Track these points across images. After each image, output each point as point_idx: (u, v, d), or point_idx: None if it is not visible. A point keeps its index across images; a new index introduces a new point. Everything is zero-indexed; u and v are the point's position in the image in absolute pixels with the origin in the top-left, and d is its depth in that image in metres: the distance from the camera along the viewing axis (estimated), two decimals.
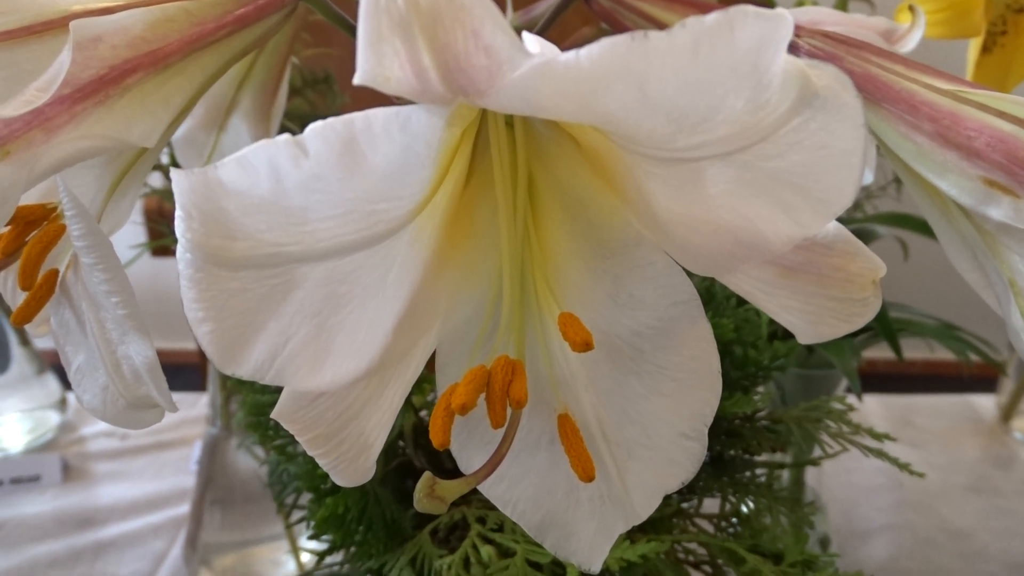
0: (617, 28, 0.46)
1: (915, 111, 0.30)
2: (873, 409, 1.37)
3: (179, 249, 0.18)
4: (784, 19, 0.15)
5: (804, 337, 0.22)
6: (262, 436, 0.43)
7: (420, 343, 0.24)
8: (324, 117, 0.63)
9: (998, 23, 0.62)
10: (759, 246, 0.19)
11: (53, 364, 1.39)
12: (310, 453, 0.23)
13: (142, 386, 0.26)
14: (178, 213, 0.17)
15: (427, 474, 0.21)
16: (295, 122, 0.95)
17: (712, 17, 0.15)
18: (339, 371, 0.21)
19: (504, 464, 0.23)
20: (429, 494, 0.21)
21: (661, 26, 0.46)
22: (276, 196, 0.18)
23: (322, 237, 0.19)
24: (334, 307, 0.21)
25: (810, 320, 0.21)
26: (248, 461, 0.96)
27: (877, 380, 1.28)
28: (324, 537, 0.40)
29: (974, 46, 0.62)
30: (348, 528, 0.37)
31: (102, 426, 1.41)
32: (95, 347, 0.26)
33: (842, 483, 1.19)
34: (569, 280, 0.25)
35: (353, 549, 0.41)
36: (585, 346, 0.22)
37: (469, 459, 0.25)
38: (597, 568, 0.25)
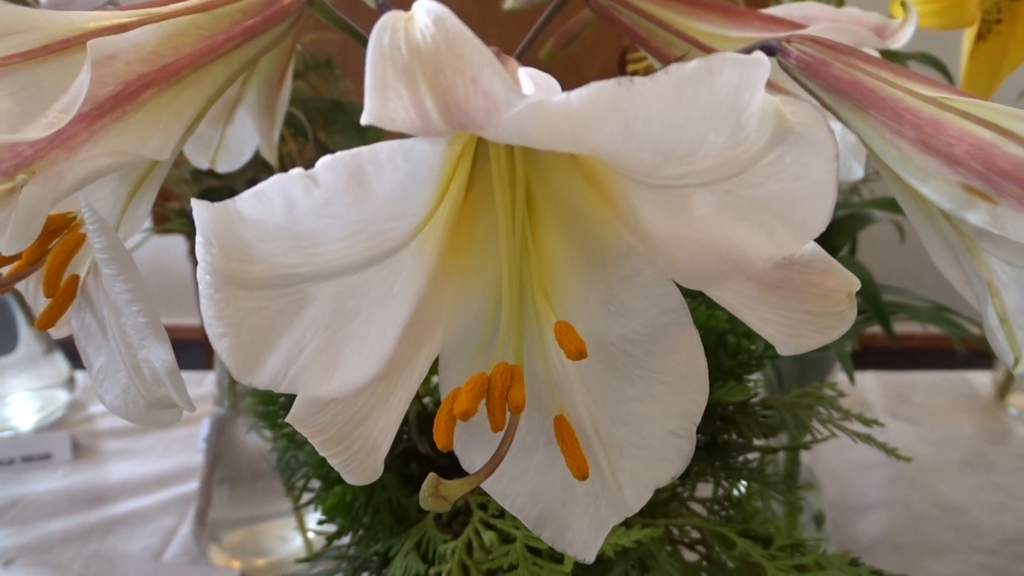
0: (615, 25, 0.47)
1: (899, 118, 0.31)
2: (870, 386, 1.39)
3: (199, 271, 0.20)
4: (760, 63, 0.17)
5: (783, 349, 0.23)
6: (272, 424, 0.44)
7: (424, 350, 0.26)
8: (325, 100, 0.65)
9: (993, 11, 0.63)
10: (741, 264, 0.21)
11: (60, 342, 1.40)
12: (322, 454, 0.24)
13: (161, 388, 0.27)
14: (199, 239, 0.19)
15: (432, 475, 0.22)
16: (297, 106, 0.96)
17: (693, 64, 0.16)
18: (348, 379, 0.23)
19: (504, 463, 0.24)
20: (434, 493, 0.22)
21: (657, 22, 0.47)
22: (289, 223, 0.19)
23: (332, 257, 0.20)
24: (343, 320, 0.22)
25: (789, 333, 0.23)
26: (255, 440, 0.98)
27: (876, 355, 1.30)
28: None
29: (969, 34, 0.63)
30: (356, 514, 0.39)
31: None
32: (116, 350, 0.28)
33: (838, 459, 1.21)
34: (565, 288, 0.27)
35: (360, 533, 0.43)
36: (579, 355, 0.23)
37: (471, 459, 0.27)
38: (592, 558, 0.27)
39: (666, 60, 0.47)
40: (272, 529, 1.05)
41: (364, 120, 0.17)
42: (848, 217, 0.78)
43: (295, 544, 1.04)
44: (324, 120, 1.01)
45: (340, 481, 0.39)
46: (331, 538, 0.43)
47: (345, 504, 0.39)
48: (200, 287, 0.20)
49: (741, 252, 0.20)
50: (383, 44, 0.16)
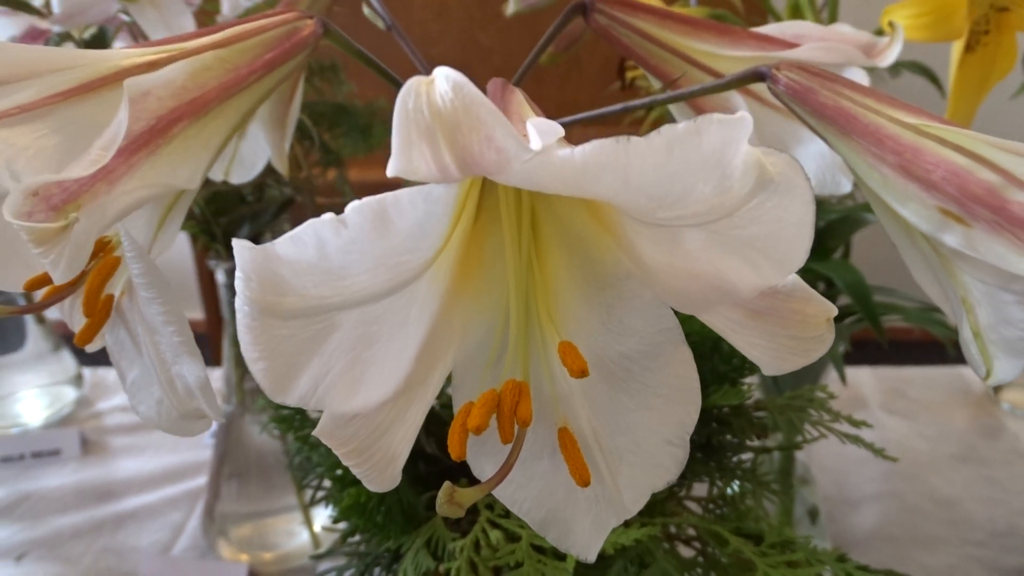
0: (613, 44, 0.49)
1: (881, 144, 0.33)
2: (866, 381, 1.41)
3: (237, 302, 0.22)
4: (743, 122, 0.19)
5: (768, 369, 0.25)
6: (287, 427, 0.46)
7: (438, 368, 0.28)
8: (330, 103, 0.67)
9: (981, 22, 0.65)
10: (729, 292, 0.23)
11: (65, 336, 1.42)
12: (346, 464, 0.26)
13: (194, 401, 0.29)
14: (239, 275, 0.21)
15: (447, 484, 0.24)
16: (303, 110, 0.97)
17: (683, 125, 0.18)
18: (370, 396, 0.25)
19: (511, 471, 0.26)
20: (449, 500, 0.24)
21: (654, 41, 0.49)
22: (320, 260, 0.21)
23: (357, 289, 0.22)
24: (366, 344, 0.24)
25: (773, 355, 0.25)
26: (262, 436, 1.00)
27: (872, 350, 1.32)
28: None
29: (958, 46, 0.65)
30: (369, 514, 0.41)
31: (118, 401, 1.45)
32: (150, 365, 0.30)
33: (833, 454, 1.23)
34: (568, 309, 0.29)
35: (371, 531, 0.45)
36: (581, 373, 0.26)
37: (482, 467, 0.29)
38: (593, 557, 0.29)
39: (663, 77, 0.49)
40: (279, 523, 1.07)
41: (390, 173, 0.19)
42: (842, 220, 0.80)
43: (302, 538, 1.06)
44: (329, 122, 1.03)
45: (354, 483, 0.42)
46: (344, 536, 0.45)
47: (359, 505, 0.41)
48: (238, 316, 0.22)
49: (729, 282, 0.23)
50: (408, 107, 0.18)
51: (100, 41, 0.81)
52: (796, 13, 0.84)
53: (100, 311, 0.30)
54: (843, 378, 0.69)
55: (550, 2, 1.16)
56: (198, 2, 0.84)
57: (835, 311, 0.24)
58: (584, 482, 0.27)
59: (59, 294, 0.30)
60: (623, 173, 0.19)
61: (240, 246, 0.20)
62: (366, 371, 0.24)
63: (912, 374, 1.43)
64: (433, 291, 0.26)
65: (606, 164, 0.19)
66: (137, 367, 0.31)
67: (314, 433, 0.25)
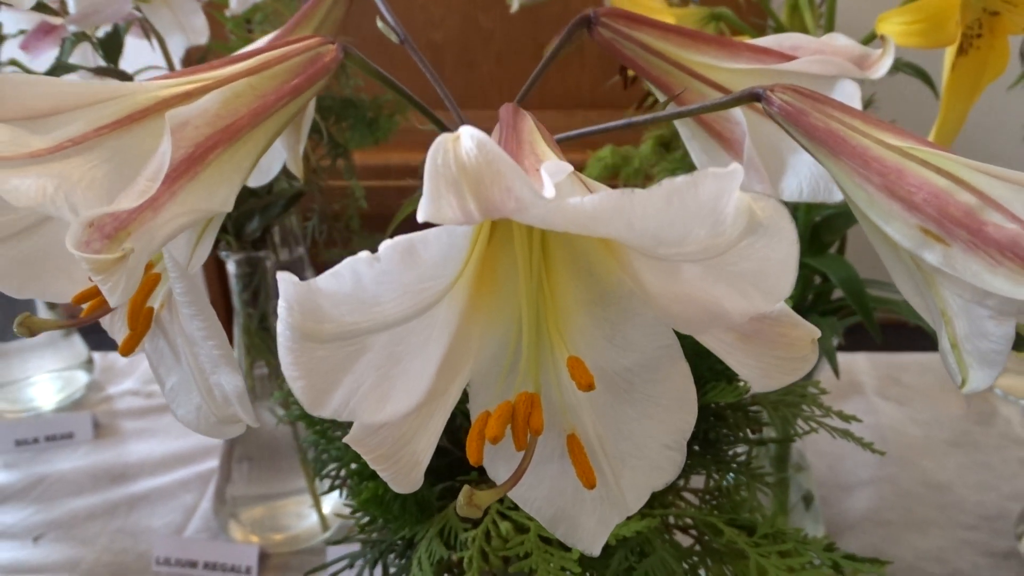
0: (616, 56, 0.51)
1: (867, 165, 0.36)
2: (862, 367, 1.44)
3: (279, 326, 0.24)
4: (735, 173, 0.21)
5: (757, 386, 0.28)
6: (309, 422, 0.49)
7: (457, 380, 0.30)
8: (337, 98, 0.70)
9: (974, 26, 0.67)
10: (723, 317, 0.25)
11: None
12: (374, 468, 0.29)
13: (231, 407, 0.32)
14: (282, 303, 0.23)
15: (466, 487, 0.27)
16: None
17: (681, 178, 0.20)
18: (396, 408, 0.27)
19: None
20: (469, 502, 0.27)
21: (656, 53, 0.51)
22: (356, 291, 0.24)
23: (386, 314, 0.25)
24: (393, 361, 0.27)
25: (761, 373, 0.27)
26: (273, 421, 1.03)
27: (869, 336, 1.34)
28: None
29: (951, 49, 0.67)
30: (387, 506, 0.44)
31: (128, 385, 1.48)
32: (189, 374, 0.33)
33: (828, 439, 1.25)
34: (575, 325, 0.31)
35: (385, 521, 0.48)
36: (589, 387, 0.28)
37: (497, 470, 0.31)
38: (598, 552, 0.32)
39: (664, 88, 0.52)
40: (288, 506, 1.10)
41: (420, 218, 0.22)
42: (837, 215, 0.82)
43: (311, 520, 1.09)
44: (336, 116, 1.05)
45: (372, 477, 0.44)
46: (362, 526, 0.48)
47: (377, 497, 0.43)
48: (280, 340, 0.24)
49: (723, 309, 0.25)
50: (437, 163, 0.21)
51: (114, 39, 0.83)
52: (795, 11, 0.86)
53: (142, 323, 0.33)
54: (836, 372, 0.71)
55: None
56: None
57: (818, 333, 0.26)
58: (590, 484, 0.29)
59: (103, 309, 0.32)
60: (628, 219, 0.21)
61: (284, 280, 0.23)
62: (393, 386, 0.27)
63: (907, 360, 1.45)
64: (452, 311, 0.28)
65: (613, 212, 0.21)
66: (176, 374, 0.34)
67: (345, 440, 0.28)
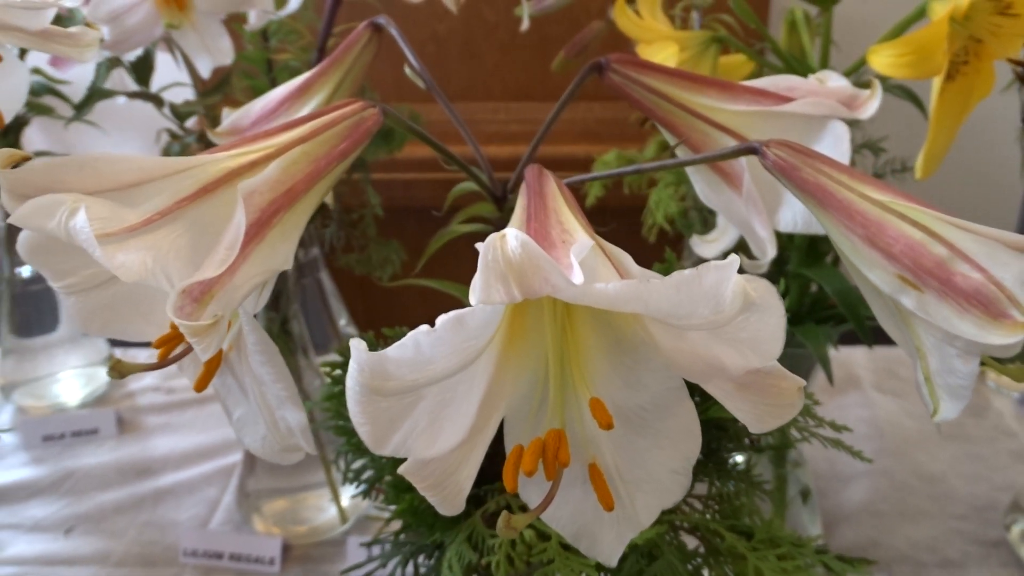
0: (626, 98, 0.55)
1: (851, 218, 0.40)
2: (860, 361, 1.48)
3: (349, 382, 0.29)
4: (733, 264, 0.26)
5: (752, 428, 0.32)
6: (348, 437, 0.54)
7: (494, 417, 0.35)
8: None
9: (961, 54, 0.71)
10: (723, 371, 0.30)
11: None
12: (423, 494, 0.34)
13: (293, 438, 0.37)
14: (353, 365, 0.28)
15: (504, 513, 0.32)
16: None
17: (688, 271, 0.25)
18: (445, 444, 0.32)
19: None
20: (507, 526, 0.32)
21: (662, 96, 0.56)
22: (416, 355, 0.28)
23: (439, 370, 0.30)
24: (442, 407, 0.31)
25: (755, 417, 0.32)
26: None
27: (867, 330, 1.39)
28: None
29: (939, 76, 0.70)
30: (422, 515, 0.49)
31: (148, 381, 1.52)
32: (256, 408, 0.37)
33: (827, 432, 1.30)
34: (595, 368, 0.36)
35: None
36: (608, 426, 0.33)
37: (528, 495, 0.36)
38: (615, 563, 0.37)
39: (670, 128, 0.56)
40: (309, 499, 1.15)
41: (474, 302, 0.26)
42: None
43: (330, 513, 1.13)
44: None
45: (408, 489, 0.49)
46: (397, 533, 0.53)
47: (413, 508, 0.48)
48: (349, 394, 0.29)
49: (722, 364, 0.30)
50: (488, 258, 0.26)
51: (145, 61, 0.87)
52: (793, 31, 0.90)
53: (213, 363, 0.37)
54: (831, 379, 0.76)
55: (561, 6, 1.22)
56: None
57: (803, 383, 0.31)
58: (609, 507, 0.34)
59: (178, 356, 0.37)
60: (643, 302, 0.26)
61: (356, 347, 0.28)
62: (442, 427, 0.32)
63: (903, 354, 1.49)
64: (489, 360, 0.33)
65: (631, 297, 0.26)
66: (242, 407, 0.38)
67: (399, 471, 0.33)
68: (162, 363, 0.37)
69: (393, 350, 0.28)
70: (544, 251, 0.25)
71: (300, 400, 0.36)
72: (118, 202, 0.33)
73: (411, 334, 0.27)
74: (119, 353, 1.59)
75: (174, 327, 0.37)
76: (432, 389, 0.31)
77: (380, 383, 0.28)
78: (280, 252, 0.36)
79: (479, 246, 0.26)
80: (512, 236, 0.25)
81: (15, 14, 0.42)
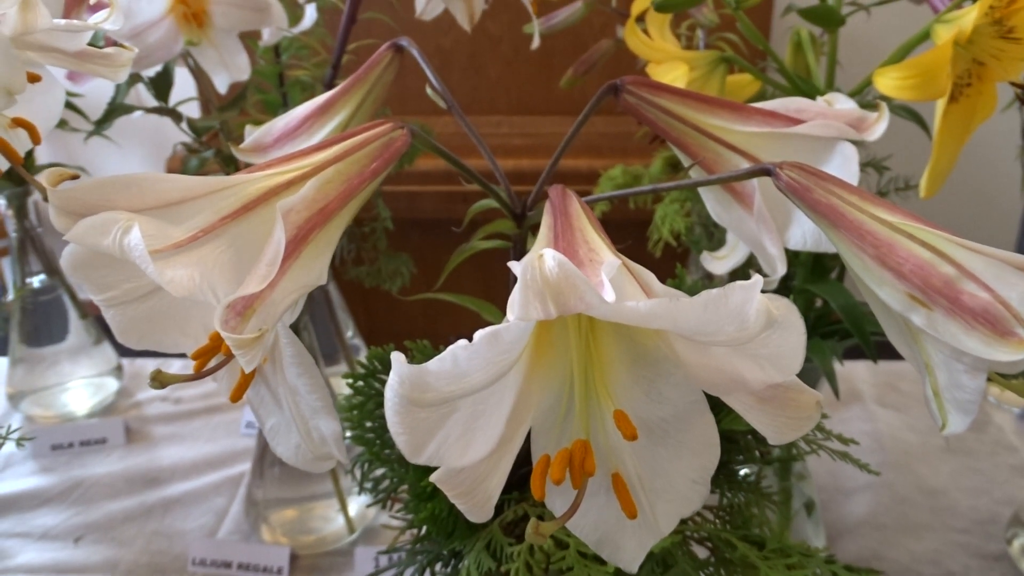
0: (641, 120, 0.57)
1: (862, 238, 0.42)
2: (862, 375, 1.49)
3: (388, 393, 0.30)
4: (757, 284, 0.27)
5: (772, 440, 0.34)
6: (369, 446, 0.55)
7: (521, 428, 0.37)
8: None
9: (964, 76, 0.72)
10: (744, 384, 0.32)
11: (106, 328, 1.50)
12: (454, 502, 0.35)
13: (326, 447, 0.38)
14: (393, 377, 0.30)
15: (533, 520, 0.33)
16: None
17: (716, 291, 0.27)
18: (475, 454, 0.34)
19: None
20: (535, 532, 0.33)
21: (676, 117, 0.58)
22: (453, 368, 0.30)
23: (474, 383, 0.31)
24: (474, 418, 0.33)
25: (775, 429, 0.34)
26: None
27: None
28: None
29: (942, 99, 0.72)
30: (442, 524, 0.50)
31: (156, 391, 1.53)
32: (290, 418, 0.39)
33: (830, 443, 1.32)
34: (618, 381, 0.38)
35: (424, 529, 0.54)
36: (632, 437, 0.34)
37: (554, 503, 0.38)
38: (635, 569, 0.39)
39: (683, 148, 0.58)
40: (317, 509, 1.16)
41: (512, 319, 0.28)
42: None
43: (338, 523, 1.14)
44: None
45: (429, 499, 0.51)
46: (416, 540, 0.54)
47: (433, 516, 0.50)
48: (388, 404, 0.31)
49: (744, 378, 0.31)
50: (526, 277, 0.27)
51: (164, 78, 0.89)
52: (798, 51, 0.92)
53: (250, 375, 0.39)
54: (836, 392, 0.77)
55: (569, 24, 1.24)
56: None
57: (820, 397, 0.32)
58: (632, 516, 0.36)
59: (214, 368, 0.38)
60: (672, 320, 0.27)
61: (397, 360, 0.29)
62: (474, 437, 0.33)
63: (905, 368, 1.50)
64: (518, 373, 0.35)
65: (660, 314, 0.27)
66: (275, 416, 0.40)
67: (431, 479, 0.34)
68: (200, 374, 0.38)
69: (433, 363, 0.29)
70: (579, 272, 0.27)
71: (335, 410, 0.37)
72: (163, 219, 0.35)
73: (449, 348, 0.29)
74: (127, 363, 1.60)
75: (211, 339, 0.39)
76: (466, 401, 0.32)
77: (419, 395, 0.30)
78: (315, 268, 0.38)
79: (512, 265, 0.28)
80: (550, 256, 0.27)
81: (57, 37, 0.43)
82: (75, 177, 0.36)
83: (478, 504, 0.35)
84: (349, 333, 1.40)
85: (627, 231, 0.86)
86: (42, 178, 0.35)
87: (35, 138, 0.46)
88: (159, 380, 0.36)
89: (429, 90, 0.56)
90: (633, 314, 0.27)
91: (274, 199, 0.37)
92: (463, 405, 0.32)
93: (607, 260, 0.31)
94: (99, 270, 0.38)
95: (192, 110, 1.00)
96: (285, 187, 0.38)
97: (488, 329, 0.29)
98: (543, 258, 0.27)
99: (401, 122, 0.44)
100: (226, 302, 0.32)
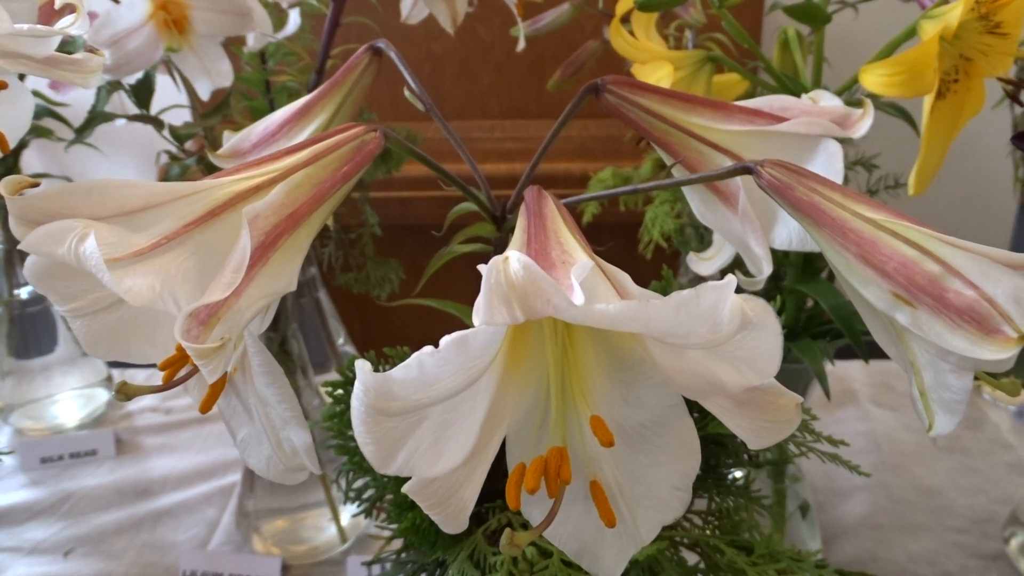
0: (622, 119, 0.56)
1: (845, 236, 0.41)
2: (856, 375, 1.49)
3: (354, 403, 0.29)
4: (730, 284, 0.26)
5: (751, 444, 0.33)
6: (351, 456, 0.54)
7: (496, 436, 0.36)
8: None
9: (951, 72, 0.72)
10: (721, 388, 0.31)
11: None
12: (427, 512, 0.34)
13: (298, 458, 0.37)
14: (358, 386, 0.29)
15: (508, 531, 0.32)
16: None
17: (687, 292, 0.26)
18: (447, 463, 0.33)
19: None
20: (510, 543, 0.32)
21: (657, 116, 0.57)
22: (420, 375, 0.29)
23: (443, 390, 0.30)
24: (446, 426, 0.32)
25: (754, 433, 0.33)
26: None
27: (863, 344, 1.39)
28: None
29: (929, 94, 0.71)
30: (424, 534, 0.49)
31: (147, 402, 1.52)
32: (261, 429, 0.38)
33: (825, 444, 1.31)
34: (595, 386, 0.37)
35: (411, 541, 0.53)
36: (609, 443, 0.33)
37: (531, 513, 0.37)
38: None
39: (665, 147, 0.57)
40: (308, 519, 1.15)
41: (477, 323, 0.27)
42: None
43: (330, 532, 1.13)
44: None
45: (411, 507, 0.50)
46: (400, 551, 0.53)
47: (415, 526, 0.49)
48: (354, 414, 0.30)
49: (721, 381, 0.30)
50: (491, 281, 0.26)
51: (145, 85, 0.88)
52: (785, 50, 0.91)
53: (218, 385, 0.38)
54: (827, 394, 0.76)
55: (554, 27, 1.23)
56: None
57: (800, 399, 0.32)
58: (611, 524, 0.35)
59: (183, 378, 0.37)
60: (643, 322, 0.26)
61: (361, 368, 0.28)
62: (446, 446, 0.32)
63: (899, 368, 1.50)
64: (492, 380, 0.34)
65: (630, 317, 0.26)
66: (247, 428, 0.39)
67: (403, 490, 0.33)
68: (167, 385, 0.37)
69: (398, 371, 0.28)
70: (545, 272, 0.26)
71: (304, 420, 0.36)
72: (125, 227, 0.34)
73: (415, 355, 0.28)
74: (117, 374, 1.59)
75: (179, 349, 0.38)
76: (436, 409, 0.31)
77: (385, 403, 0.29)
78: (284, 275, 0.37)
79: (481, 268, 0.27)
80: (515, 258, 0.26)
81: (22, 42, 0.42)
82: (35, 185, 0.35)
83: (452, 514, 0.34)
84: (340, 340, 1.39)
85: (617, 233, 0.85)
86: (1, 186, 0.34)
87: (3, 147, 0.45)
88: (124, 392, 0.35)
89: (407, 92, 0.55)
90: (603, 317, 0.26)
91: (241, 205, 0.37)
92: (432, 413, 0.31)
93: (579, 262, 0.31)
94: (62, 280, 0.37)
95: (185, 117, 0.99)
96: (253, 192, 0.37)
97: (456, 334, 0.28)
98: (508, 260, 0.26)
99: (374, 125, 0.43)
100: (188, 311, 0.31)
